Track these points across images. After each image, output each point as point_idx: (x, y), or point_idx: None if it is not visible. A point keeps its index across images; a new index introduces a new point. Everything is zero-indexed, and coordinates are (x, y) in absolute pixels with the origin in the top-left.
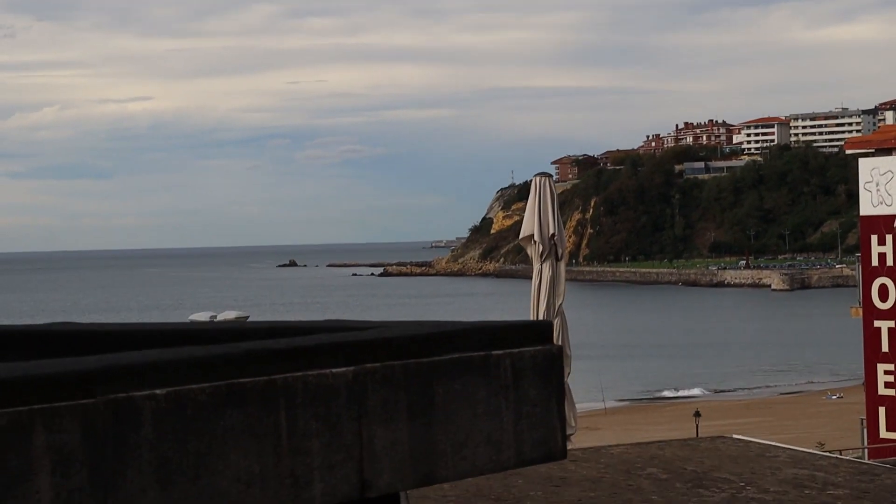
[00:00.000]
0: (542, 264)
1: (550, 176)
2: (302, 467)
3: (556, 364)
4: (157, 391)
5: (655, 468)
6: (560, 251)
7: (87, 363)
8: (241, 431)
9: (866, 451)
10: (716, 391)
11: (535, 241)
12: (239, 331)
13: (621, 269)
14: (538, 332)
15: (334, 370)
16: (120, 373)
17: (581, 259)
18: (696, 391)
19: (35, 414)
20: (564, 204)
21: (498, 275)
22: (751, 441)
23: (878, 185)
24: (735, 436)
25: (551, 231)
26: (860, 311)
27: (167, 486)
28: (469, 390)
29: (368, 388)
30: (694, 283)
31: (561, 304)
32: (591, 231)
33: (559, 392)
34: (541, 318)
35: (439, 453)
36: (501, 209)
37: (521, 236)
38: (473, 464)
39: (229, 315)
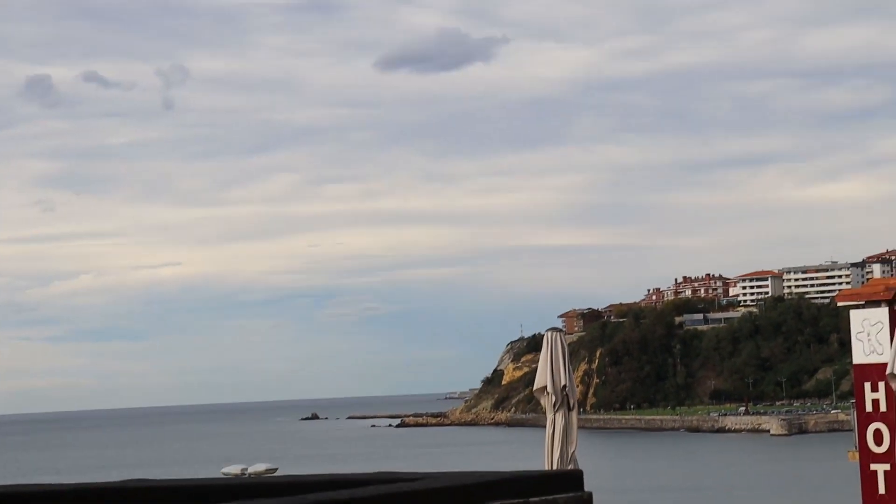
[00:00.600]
0: (554, 414)
1: (561, 331)
2: None
3: None
4: None
5: None
6: (572, 401)
7: None
8: None
9: None
10: None
11: (547, 392)
12: (303, 483)
13: (627, 417)
14: (570, 480)
15: None
16: None
17: (588, 407)
18: None
19: None
20: (571, 355)
21: (510, 424)
22: None
23: (868, 335)
24: None
25: (563, 383)
26: (857, 455)
27: None
28: None
29: None
30: (696, 429)
31: (574, 452)
32: (598, 380)
33: None
34: (555, 465)
35: None
36: (512, 361)
37: (535, 388)
38: None
39: (259, 468)
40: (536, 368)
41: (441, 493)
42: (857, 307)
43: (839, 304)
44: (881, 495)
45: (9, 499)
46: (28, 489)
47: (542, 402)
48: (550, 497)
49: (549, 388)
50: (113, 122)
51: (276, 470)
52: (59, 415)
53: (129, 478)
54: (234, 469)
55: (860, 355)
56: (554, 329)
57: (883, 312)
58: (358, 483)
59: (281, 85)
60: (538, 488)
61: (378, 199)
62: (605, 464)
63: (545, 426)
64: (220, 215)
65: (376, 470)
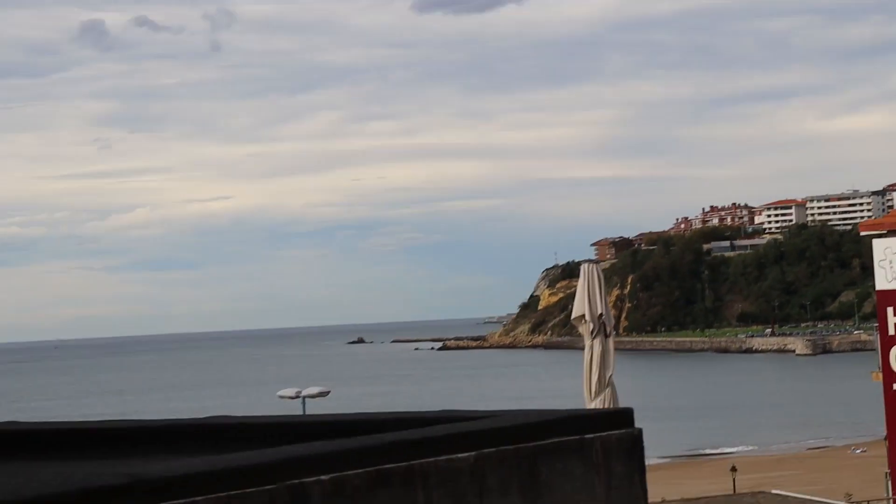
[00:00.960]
0: (592, 340)
1: (598, 262)
2: None
3: (638, 444)
4: (323, 477)
5: None
6: (608, 329)
7: (269, 455)
8: None
9: (892, 501)
10: (751, 447)
11: (585, 321)
12: (379, 421)
13: (658, 339)
14: (623, 418)
15: (459, 455)
16: (294, 463)
17: (621, 330)
18: (735, 449)
19: (232, 498)
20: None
21: (546, 346)
22: (788, 496)
23: (891, 262)
24: (773, 491)
25: (599, 311)
26: (880, 375)
27: None
28: (568, 468)
29: (486, 470)
30: (724, 350)
31: (611, 376)
32: (630, 305)
33: (641, 467)
34: (593, 388)
35: None
36: (547, 287)
37: (573, 316)
38: None
39: (313, 390)
40: (571, 294)
41: (502, 432)
42: (879, 236)
43: (862, 233)
44: None
45: (98, 433)
46: (118, 424)
47: (580, 329)
48: (605, 434)
49: (588, 317)
50: (163, 64)
51: (328, 393)
52: (119, 339)
53: (209, 414)
54: (288, 392)
55: (882, 282)
56: (590, 261)
57: None
58: (427, 421)
59: (323, 27)
60: (593, 426)
61: (417, 135)
62: (638, 384)
63: (580, 348)
64: (267, 151)
65: (431, 398)
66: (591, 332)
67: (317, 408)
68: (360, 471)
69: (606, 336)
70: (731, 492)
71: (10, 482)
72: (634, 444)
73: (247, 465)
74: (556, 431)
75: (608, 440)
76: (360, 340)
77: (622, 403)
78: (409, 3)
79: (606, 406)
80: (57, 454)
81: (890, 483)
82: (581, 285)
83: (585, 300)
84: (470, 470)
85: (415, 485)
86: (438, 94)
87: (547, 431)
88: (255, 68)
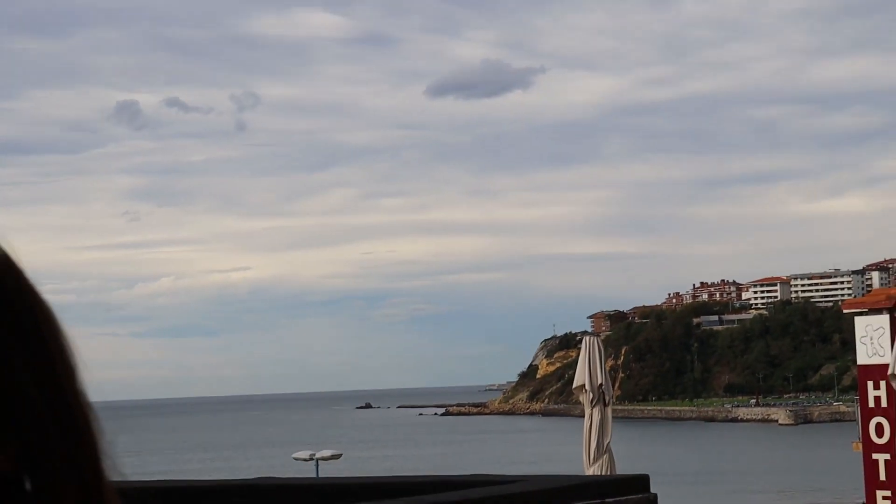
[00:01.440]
0: (592, 409)
1: (597, 335)
2: None
3: None
4: None
5: None
6: (607, 398)
7: None
8: None
9: None
10: None
11: (586, 390)
12: (422, 483)
13: (649, 408)
14: (640, 483)
15: None
16: None
17: (614, 399)
18: None
19: None
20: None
21: (544, 413)
22: None
23: (871, 339)
24: None
25: (599, 381)
26: (860, 445)
27: None
28: None
29: None
30: (711, 419)
31: (608, 443)
32: (623, 375)
33: None
34: (592, 454)
35: None
36: (545, 357)
37: (574, 385)
38: None
39: (325, 453)
40: (567, 363)
41: (535, 495)
42: (861, 314)
43: (845, 311)
44: (882, 481)
45: (144, 493)
46: (165, 484)
47: (580, 398)
48: (623, 498)
49: (588, 387)
50: (192, 142)
51: (340, 455)
52: (142, 402)
53: (258, 476)
54: (303, 454)
55: (864, 357)
56: (590, 334)
57: (884, 319)
58: (460, 485)
59: (341, 109)
60: (613, 490)
61: (426, 212)
62: (631, 449)
63: (576, 415)
64: (285, 225)
65: (436, 461)
66: (591, 402)
67: (330, 469)
68: None
69: (605, 405)
70: None
71: None
72: None
73: None
74: (581, 495)
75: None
76: (368, 405)
77: (620, 468)
78: (423, 88)
79: (604, 472)
80: None
81: None
82: (582, 357)
83: (586, 371)
84: None
85: None
86: (447, 173)
87: (571, 495)
88: (276, 146)
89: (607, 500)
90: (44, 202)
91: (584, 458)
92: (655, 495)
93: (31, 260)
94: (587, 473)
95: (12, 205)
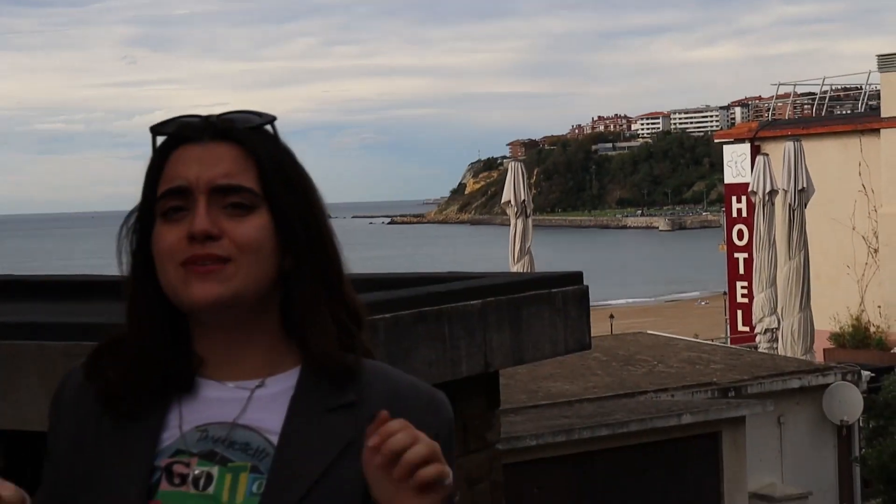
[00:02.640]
0: (516, 219)
1: (522, 161)
2: (456, 355)
3: (585, 296)
4: (386, 315)
5: (599, 353)
6: (528, 211)
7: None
8: (425, 336)
9: (729, 339)
10: (626, 300)
11: (511, 204)
12: (415, 279)
13: (556, 218)
14: (576, 277)
15: (471, 302)
16: (369, 305)
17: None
18: (615, 301)
19: None
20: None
21: (471, 223)
22: (659, 335)
23: (735, 163)
24: (649, 331)
25: (522, 197)
26: (724, 247)
27: (391, 363)
28: (540, 312)
29: (489, 313)
30: (606, 227)
31: (530, 246)
32: (535, 191)
33: (586, 310)
34: (516, 255)
35: (525, 347)
36: (472, 177)
37: (502, 201)
38: (543, 353)
39: None
40: (491, 182)
41: (498, 287)
42: (728, 143)
43: (716, 140)
44: (741, 274)
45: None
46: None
47: (507, 211)
48: (565, 288)
49: (513, 201)
50: None
51: None
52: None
53: None
54: None
55: (730, 177)
56: (511, 158)
57: (746, 147)
58: (445, 279)
59: None
60: (556, 283)
61: (374, 58)
62: (544, 252)
63: (497, 224)
64: (257, 68)
65: (390, 262)
66: (515, 213)
67: None
68: (409, 311)
69: (527, 217)
70: (610, 333)
71: None
72: (583, 296)
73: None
74: (533, 286)
75: (566, 293)
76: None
77: (537, 268)
78: None
79: (527, 269)
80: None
81: (728, 326)
82: (509, 177)
83: (511, 188)
84: (478, 312)
85: (442, 322)
86: (392, 25)
87: (527, 287)
88: (250, 2)
89: (553, 290)
90: (54, 48)
91: (510, 258)
92: (587, 287)
93: (48, 97)
94: (512, 271)
95: (34, 49)
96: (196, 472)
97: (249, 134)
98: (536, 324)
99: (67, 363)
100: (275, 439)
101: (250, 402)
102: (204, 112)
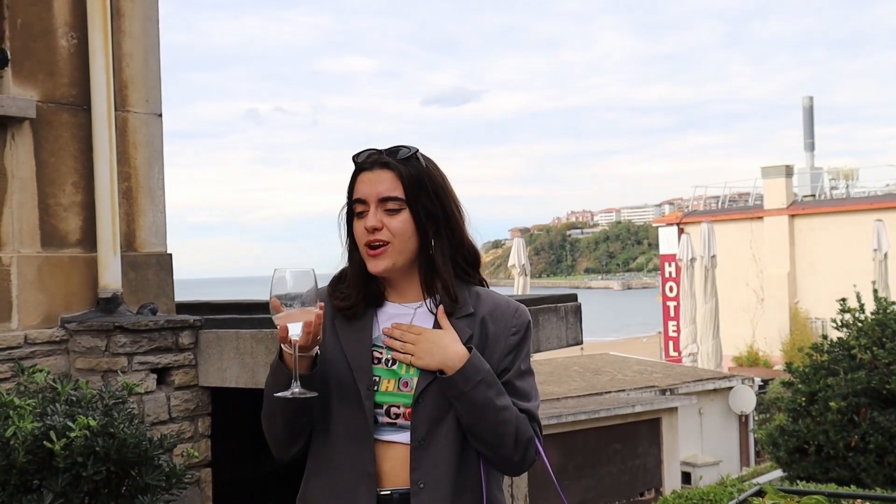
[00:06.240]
0: (519, 277)
1: (522, 239)
2: None
3: (579, 308)
4: None
5: (577, 367)
6: (528, 271)
7: None
8: None
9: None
10: (589, 338)
11: (515, 266)
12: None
13: (542, 281)
14: (572, 297)
15: None
16: None
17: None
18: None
19: None
20: (525, 247)
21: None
22: (617, 354)
23: (667, 240)
24: (611, 352)
25: (523, 262)
26: (660, 298)
27: None
28: (551, 318)
29: None
30: (576, 287)
31: None
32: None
33: (580, 318)
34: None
35: (541, 341)
36: (484, 252)
37: (509, 264)
38: (552, 345)
39: None
40: (497, 256)
41: (527, 301)
42: (662, 227)
43: (654, 224)
44: (671, 317)
45: None
46: None
47: (513, 272)
48: (567, 304)
49: (517, 265)
50: None
51: None
52: None
53: None
54: None
55: (664, 250)
56: (518, 237)
57: (674, 230)
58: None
59: None
60: (561, 300)
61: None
62: None
63: (504, 284)
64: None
65: None
66: (518, 273)
67: None
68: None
69: (526, 275)
70: (581, 353)
71: None
72: (577, 309)
73: None
74: (546, 302)
75: (567, 306)
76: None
77: None
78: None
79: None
80: None
81: (663, 352)
82: (514, 249)
83: (516, 256)
84: None
85: None
86: (429, 148)
87: (543, 301)
88: None
89: (559, 304)
90: None
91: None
92: (580, 304)
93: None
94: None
95: None
96: (387, 356)
97: (399, 161)
98: (548, 325)
99: (255, 344)
100: None
101: (415, 315)
102: (379, 146)
